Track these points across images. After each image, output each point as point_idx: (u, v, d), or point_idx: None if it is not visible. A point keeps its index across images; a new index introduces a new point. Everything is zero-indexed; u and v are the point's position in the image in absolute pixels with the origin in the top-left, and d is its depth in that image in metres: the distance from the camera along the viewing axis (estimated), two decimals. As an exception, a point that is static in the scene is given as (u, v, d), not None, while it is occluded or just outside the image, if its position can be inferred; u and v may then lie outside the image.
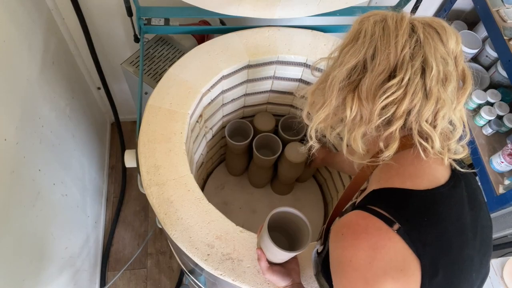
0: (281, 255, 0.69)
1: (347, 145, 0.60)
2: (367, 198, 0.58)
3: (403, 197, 0.54)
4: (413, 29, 0.53)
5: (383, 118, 0.53)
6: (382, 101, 0.52)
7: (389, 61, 0.52)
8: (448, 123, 0.55)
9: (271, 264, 0.73)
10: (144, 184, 0.88)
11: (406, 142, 0.56)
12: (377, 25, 0.54)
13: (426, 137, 0.54)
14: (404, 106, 0.52)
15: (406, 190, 0.54)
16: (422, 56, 0.52)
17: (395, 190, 0.55)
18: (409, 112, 0.53)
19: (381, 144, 0.56)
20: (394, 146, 0.54)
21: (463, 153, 0.58)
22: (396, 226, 0.51)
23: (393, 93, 0.51)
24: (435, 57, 0.52)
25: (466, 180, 0.59)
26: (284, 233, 0.80)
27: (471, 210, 0.57)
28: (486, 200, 0.65)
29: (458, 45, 0.55)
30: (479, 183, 1.34)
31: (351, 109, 0.55)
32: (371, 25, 0.55)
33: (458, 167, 0.57)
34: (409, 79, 0.51)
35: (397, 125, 0.53)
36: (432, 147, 0.54)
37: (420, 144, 0.54)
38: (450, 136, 0.56)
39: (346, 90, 0.56)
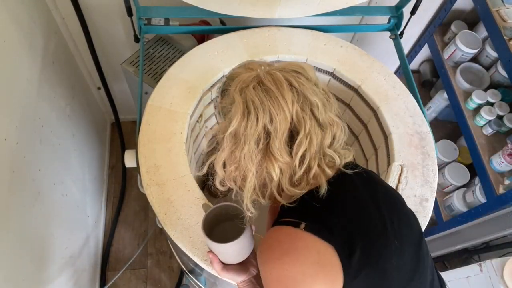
0: (226, 249, 0.67)
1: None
2: (279, 214, 0.64)
3: (304, 201, 0.60)
4: (289, 83, 0.59)
5: (303, 165, 0.59)
6: (299, 155, 0.58)
7: (286, 119, 0.57)
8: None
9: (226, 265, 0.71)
10: (144, 184, 0.88)
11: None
12: (259, 91, 0.58)
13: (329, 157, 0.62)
14: (314, 148, 0.59)
15: (305, 195, 0.61)
16: (307, 101, 0.59)
17: (298, 199, 0.61)
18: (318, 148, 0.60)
19: (311, 182, 0.61)
20: (323, 181, 0.60)
21: (350, 155, 0.66)
22: (303, 225, 0.56)
23: (303, 144, 0.58)
24: (314, 94, 0.60)
25: (357, 173, 0.64)
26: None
27: (366, 188, 0.63)
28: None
29: (314, 73, 0.65)
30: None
31: (275, 171, 0.59)
32: (254, 93, 0.58)
33: (343, 170, 0.63)
34: (310, 127, 0.58)
35: (315, 165, 0.60)
36: (334, 164, 0.62)
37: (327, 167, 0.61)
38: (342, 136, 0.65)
39: (260, 157, 0.59)
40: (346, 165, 0.64)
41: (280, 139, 0.58)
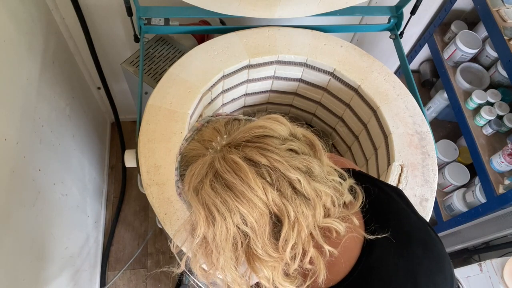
0: None
1: None
2: None
3: None
4: (254, 164, 0.46)
5: (297, 257, 0.48)
6: (288, 251, 0.47)
7: (263, 213, 0.45)
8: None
9: None
10: (144, 184, 0.88)
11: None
12: (218, 189, 0.46)
13: (328, 230, 0.50)
14: (305, 232, 0.47)
15: None
16: (284, 180, 0.46)
17: None
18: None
19: (309, 268, 0.50)
20: (322, 265, 0.49)
21: (358, 200, 0.54)
22: None
23: (291, 236, 0.46)
24: (291, 166, 0.46)
25: (384, 238, 0.53)
26: None
27: (401, 261, 0.53)
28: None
29: (286, 124, 0.51)
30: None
31: (265, 275, 0.48)
32: (213, 194, 0.46)
33: (366, 235, 0.53)
34: (295, 212, 0.46)
35: (311, 251, 0.48)
36: (338, 232, 0.50)
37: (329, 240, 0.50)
38: (339, 198, 0.51)
39: (242, 260, 0.48)
40: (368, 225, 0.54)
41: (262, 238, 0.46)
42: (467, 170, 1.50)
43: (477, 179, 1.40)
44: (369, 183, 0.58)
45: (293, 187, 0.47)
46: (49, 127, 1.15)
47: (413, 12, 1.18)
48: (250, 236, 0.46)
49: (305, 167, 0.48)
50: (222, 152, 0.48)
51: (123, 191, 1.81)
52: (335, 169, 0.54)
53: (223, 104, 1.24)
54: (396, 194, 0.63)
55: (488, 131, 1.35)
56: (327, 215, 0.50)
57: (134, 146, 0.95)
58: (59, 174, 1.21)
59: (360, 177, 0.60)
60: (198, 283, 1.19)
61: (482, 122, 1.36)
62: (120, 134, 1.81)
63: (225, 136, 0.51)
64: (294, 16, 1.10)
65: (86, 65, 1.55)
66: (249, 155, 0.46)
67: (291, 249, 0.47)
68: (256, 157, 0.46)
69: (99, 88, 1.70)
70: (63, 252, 1.21)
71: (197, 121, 0.60)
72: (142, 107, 1.01)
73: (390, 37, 1.26)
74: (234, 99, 1.26)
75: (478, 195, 1.34)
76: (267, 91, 1.29)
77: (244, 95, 1.28)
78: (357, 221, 0.53)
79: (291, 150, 0.49)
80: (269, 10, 1.07)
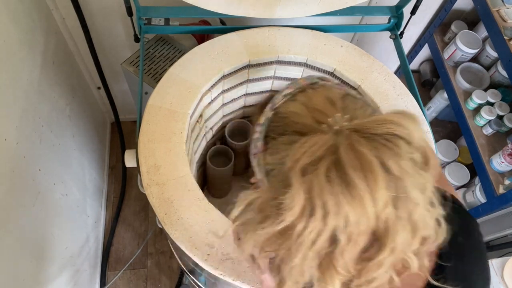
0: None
1: None
2: None
3: None
4: (387, 170, 0.37)
5: (370, 282, 0.41)
6: (369, 275, 0.40)
7: (370, 225, 0.37)
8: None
9: None
10: (144, 184, 0.88)
11: None
12: (335, 182, 0.37)
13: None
14: (392, 261, 0.40)
15: None
16: (406, 198, 0.38)
17: None
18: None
19: None
20: None
21: (439, 238, 0.43)
22: None
23: (384, 264, 0.39)
24: (414, 185, 0.38)
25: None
26: None
27: None
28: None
29: (421, 127, 0.41)
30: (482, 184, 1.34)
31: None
32: (328, 187, 0.36)
33: (431, 280, 0.45)
34: (401, 239, 0.39)
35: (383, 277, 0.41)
36: (406, 268, 0.43)
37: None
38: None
39: (315, 264, 0.40)
40: (437, 270, 0.46)
41: (352, 252, 0.38)
42: (467, 170, 1.50)
43: (477, 179, 1.40)
44: (455, 214, 0.47)
45: (409, 213, 0.39)
46: (49, 127, 1.15)
47: (413, 12, 1.18)
48: (341, 245, 0.38)
49: (423, 188, 0.39)
50: (348, 139, 0.38)
51: (123, 191, 1.82)
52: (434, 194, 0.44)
53: (223, 104, 1.24)
54: (477, 233, 0.54)
55: (488, 131, 1.35)
56: (416, 252, 0.42)
57: (134, 146, 0.95)
58: (59, 174, 1.21)
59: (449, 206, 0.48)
60: (198, 283, 1.19)
61: (482, 122, 1.37)
62: (120, 134, 1.81)
63: (345, 116, 0.41)
64: (294, 16, 1.10)
65: (86, 65, 1.55)
66: (382, 157, 0.37)
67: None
68: (390, 163, 0.37)
69: (99, 88, 1.70)
70: (63, 252, 1.21)
71: (300, 78, 0.49)
72: (142, 107, 1.01)
73: (390, 37, 1.26)
74: (234, 99, 1.26)
75: (478, 195, 1.34)
76: (267, 91, 1.29)
77: (244, 95, 1.28)
78: (427, 262, 0.44)
79: (413, 160, 0.39)
80: (269, 10, 1.07)
